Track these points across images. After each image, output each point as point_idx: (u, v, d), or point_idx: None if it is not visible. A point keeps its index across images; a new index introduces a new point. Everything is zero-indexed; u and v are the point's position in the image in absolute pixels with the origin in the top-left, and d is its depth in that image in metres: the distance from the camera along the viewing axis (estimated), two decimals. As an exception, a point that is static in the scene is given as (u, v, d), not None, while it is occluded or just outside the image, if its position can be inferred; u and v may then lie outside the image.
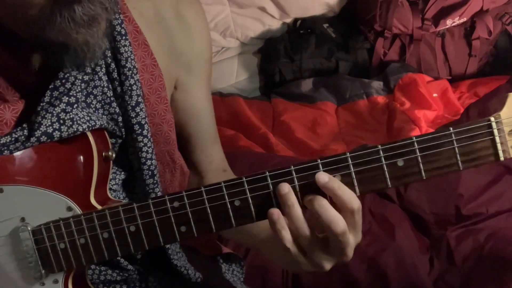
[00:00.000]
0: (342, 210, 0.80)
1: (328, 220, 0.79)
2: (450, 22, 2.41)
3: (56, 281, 0.91)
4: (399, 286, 1.58)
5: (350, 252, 0.83)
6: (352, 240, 0.83)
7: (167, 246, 1.07)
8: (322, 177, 0.80)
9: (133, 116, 0.96)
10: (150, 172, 1.00)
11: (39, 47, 0.85)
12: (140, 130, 0.97)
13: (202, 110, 1.12)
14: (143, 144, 0.98)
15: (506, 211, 1.69)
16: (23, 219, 0.89)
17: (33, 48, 0.86)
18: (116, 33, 0.94)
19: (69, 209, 0.88)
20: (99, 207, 0.90)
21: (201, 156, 1.14)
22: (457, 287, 1.59)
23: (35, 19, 0.78)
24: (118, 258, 1.06)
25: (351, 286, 1.60)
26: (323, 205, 0.80)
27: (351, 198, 0.80)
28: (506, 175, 1.75)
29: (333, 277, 1.61)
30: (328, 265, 0.85)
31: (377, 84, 2.39)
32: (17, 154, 0.89)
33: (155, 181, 1.01)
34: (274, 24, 2.63)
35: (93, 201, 0.90)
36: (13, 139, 0.87)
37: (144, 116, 0.97)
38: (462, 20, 2.42)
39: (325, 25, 2.58)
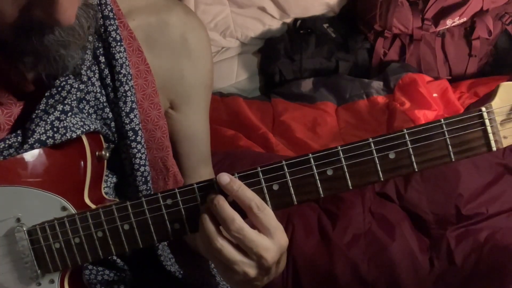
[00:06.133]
0: (245, 210, 0.82)
1: (223, 217, 0.82)
2: (450, 22, 2.41)
3: (52, 281, 0.92)
4: (399, 286, 1.58)
5: (268, 255, 0.82)
6: (267, 242, 0.82)
7: (159, 253, 1.07)
8: (224, 178, 0.83)
9: (127, 122, 0.96)
10: (143, 178, 1.00)
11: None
12: (134, 136, 0.97)
13: (197, 133, 1.12)
14: (136, 151, 0.98)
15: (506, 211, 1.69)
16: (18, 220, 0.90)
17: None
18: (111, 39, 0.94)
19: (64, 208, 0.89)
20: (93, 206, 0.90)
21: (191, 178, 1.13)
22: (457, 287, 1.59)
23: (8, 31, 0.78)
24: (115, 258, 1.06)
25: (350, 286, 1.60)
26: (221, 204, 0.82)
27: (247, 197, 0.82)
28: (506, 175, 1.75)
29: (332, 278, 1.61)
30: (251, 271, 0.84)
31: (377, 84, 2.38)
32: (12, 155, 0.90)
33: (148, 187, 1.01)
34: (274, 24, 2.63)
35: (87, 200, 0.90)
36: (6, 145, 0.88)
37: (138, 122, 0.97)
38: (462, 20, 2.42)
39: (325, 25, 2.58)
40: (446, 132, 0.79)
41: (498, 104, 0.79)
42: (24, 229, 0.89)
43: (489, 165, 1.76)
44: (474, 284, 1.56)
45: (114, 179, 1.04)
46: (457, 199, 1.69)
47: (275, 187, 0.83)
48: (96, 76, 0.95)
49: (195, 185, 0.85)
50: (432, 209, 1.70)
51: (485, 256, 1.59)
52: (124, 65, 0.95)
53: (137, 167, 0.99)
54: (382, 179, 0.81)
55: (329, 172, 0.82)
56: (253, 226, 0.83)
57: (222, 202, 0.82)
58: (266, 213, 0.82)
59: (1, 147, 0.88)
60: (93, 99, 0.96)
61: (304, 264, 1.62)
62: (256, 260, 0.83)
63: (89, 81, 0.95)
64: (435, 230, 1.69)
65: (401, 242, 1.64)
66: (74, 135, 0.89)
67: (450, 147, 0.79)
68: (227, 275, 0.87)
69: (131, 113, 0.96)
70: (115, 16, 0.95)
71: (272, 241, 0.82)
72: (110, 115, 0.97)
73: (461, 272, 1.60)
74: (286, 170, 0.82)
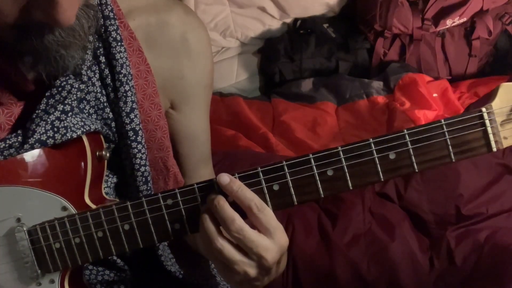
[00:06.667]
0: (244, 210, 0.82)
1: (223, 218, 0.82)
2: (450, 22, 2.41)
3: (52, 281, 0.92)
4: (399, 286, 1.58)
5: (269, 255, 0.83)
6: (267, 242, 0.82)
7: (160, 253, 1.08)
8: (224, 179, 0.83)
9: (128, 122, 0.96)
10: (143, 178, 1.00)
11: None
12: (134, 136, 0.97)
13: (197, 133, 1.12)
14: (137, 151, 0.98)
15: (506, 211, 1.69)
16: (19, 220, 0.90)
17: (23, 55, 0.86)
18: (112, 39, 0.94)
19: (64, 208, 0.89)
20: (93, 206, 0.90)
21: (191, 178, 1.14)
22: (457, 287, 1.59)
23: (8, 30, 0.79)
24: (115, 258, 1.06)
25: (350, 286, 1.60)
26: (221, 205, 0.82)
27: (247, 197, 0.82)
28: (506, 175, 1.75)
29: (332, 278, 1.61)
30: (251, 271, 0.84)
31: (377, 84, 2.38)
32: (12, 155, 0.90)
33: (148, 188, 1.01)
34: (274, 24, 2.63)
35: (87, 200, 0.90)
36: (7, 145, 0.88)
37: (138, 122, 0.97)
38: (462, 20, 2.42)
39: (325, 25, 2.58)
40: (446, 132, 0.79)
41: (498, 104, 0.79)
42: (24, 229, 0.89)
43: (489, 165, 1.76)
44: (474, 284, 1.56)
45: (115, 179, 1.04)
46: (457, 199, 1.69)
47: (276, 187, 0.83)
48: (96, 76, 0.95)
49: (196, 185, 0.85)
50: (432, 209, 1.70)
51: (485, 256, 1.59)
52: (124, 65, 0.95)
53: (138, 167, 0.99)
54: (382, 180, 0.81)
55: (330, 173, 0.82)
56: (253, 226, 0.83)
57: (222, 203, 0.82)
58: (266, 213, 0.82)
59: (2, 147, 0.88)
60: (94, 99, 0.96)
61: (304, 264, 1.62)
62: (257, 260, 0.83)
63: (90, 81, 0.95)
64: (435, 230, 1.69)
65: (401, 242, 1.64)
66: (74, 135, 0.89)
67: (450, 147, 0.79)
68: (227, 275, 0.87)
69: (132, 113, 0.96)
70: (115, 16, 0.95)
71: (272, 241, 0.82)
72: (111, 115, 0.97)
73: (461, 272, 1.60)
74: (286, 170, 0.83)
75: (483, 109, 0.79)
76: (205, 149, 1.15)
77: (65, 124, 0.88)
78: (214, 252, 0.84)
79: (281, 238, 0.84)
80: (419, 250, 1.65)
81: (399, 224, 1.68)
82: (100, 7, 0.94)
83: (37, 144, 0.88)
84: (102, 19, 0.94)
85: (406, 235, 1.66)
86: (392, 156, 0.80)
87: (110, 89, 0.96)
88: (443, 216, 1.69)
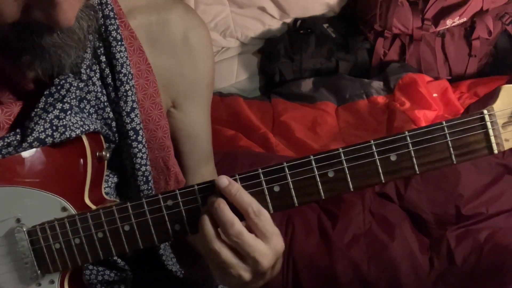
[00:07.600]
0: (242, 214, 0.82)
1: (222, 221, 0.82)
2: (450, 22, 2.41)
3: (52, 282, 0.91)
4: (399, 286, 1.58)
5: (264, 260, 0.83)
6: (264, 247, 0.83)
7: (161, 252, 1.07)
8: (222, 181, 0.83)
9: (128, 121, 0.96)
10: (144, 178, 1.00)
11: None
12: (134, 136, 0.97)
13: (198, 132, 1.12)
14: (137, 150, 0.98)
15: (506, 211, 1.69)
16: (18, 220, 0.90)
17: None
18: (112, 38, 0.94)
19: (64, 209, 0.89)
20: (93, 207, 0.90)
21: (194, 176, 1.14)
22: (457, 287, 1.59)
23: (7, 30, 0.79)
24: (115, 258, 1.06)
25: (351, 286, 1.60)
26: (221, 208, 0.82)
27: (245, 201, 0.82)
28: (506, 175, 1.75)
29: (333, 278, 1.61)
30: (246, 275, 0.84)
31: (377, 84, 2.38)
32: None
33: (149, 187, 1.01)
34: (274, 24, 2.63)
35: (87, 201, 0.90)
36: (5, 143, 0.88)
37: (139, 122, 0.97)
38: (462, 20, 2.42)
39: (325, 25, 2.58)
40: (447, 134, 0.79)
41: (499, 106, 0.78)
42: (24, 229, 0.89)
43: (489, 165, 1.76)
44: (474, 284, 1.57)
45: (115, 179, 1.04)
46: (457, 199, 1.69)
47: (276, 188, 0.83)
48: (97, 75, 0.95)
49: (196, 187, 0.85)
50: (432, 209, 1.71)
51: (485, 256, 1.59)
52: (124, 64, 0.95)
53: (138, 166, 0.99)
54: (383, 181, 0.81)
55: (331, 174, 0.82)
56: (250, 229, 0.83)
57: (222, 206, 0.82)
58: (263, 218, 0.82)
59: (0, 145, 0.88)
60: (94, 98, 0.96)
61: (304, 264, 1.62)
62: (252, 265, 0.83)
63: (90, 81, 0.95)
64: (435, 230, 1.69)
65: (401, 242, 1.64)
66: (73, 134, 0.89)
67: (451, 149, 0.79)
68: (222, 277, 0.87)
69: (132, 113, 0.96)
70: (115, 16, 0.95)
71: (268, 246, 0.83)
72: (111, 114, 0.97)
73: (461, 272, 1.60)
74: (287, 171, 0.82)
75: (485, 111, 0.78)
76: (207, 148, 1.15)
77: (64, 123, 0.88)
78: (211, 254, 0.84)
79: (277, 243, 0.84)
80: (419, 250, 1.65)
81: (399, 224, 1.68)
82: (100, 7, 0.94)
83: (35, 142, 0.88)
84: (102, 19, 0.94)
85: (406, 235, 1.67)
86: (393, 158, 0.80)
87: (111, 88, 0.96)
88: (443, 216, 1.69)
